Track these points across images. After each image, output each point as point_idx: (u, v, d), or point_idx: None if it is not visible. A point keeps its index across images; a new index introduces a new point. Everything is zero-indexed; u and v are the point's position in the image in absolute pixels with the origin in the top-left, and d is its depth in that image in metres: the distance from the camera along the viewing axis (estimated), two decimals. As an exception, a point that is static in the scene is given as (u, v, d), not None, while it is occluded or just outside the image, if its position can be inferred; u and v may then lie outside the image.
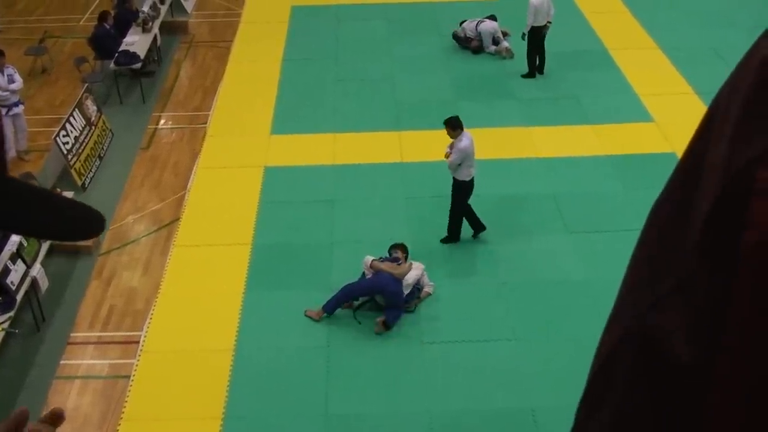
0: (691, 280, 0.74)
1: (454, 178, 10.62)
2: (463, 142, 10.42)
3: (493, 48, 15.90)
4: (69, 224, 1.00)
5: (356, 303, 9.85)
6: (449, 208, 10.86)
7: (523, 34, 14.84)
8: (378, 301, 9.80)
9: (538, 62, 15.01)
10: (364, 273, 9.90)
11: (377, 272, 9.70)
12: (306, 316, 9.69)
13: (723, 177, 0.70)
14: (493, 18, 16.19)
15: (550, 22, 14.65)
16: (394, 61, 15.78)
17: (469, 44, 16.03)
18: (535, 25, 14.58)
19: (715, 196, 0.70)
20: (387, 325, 9.53)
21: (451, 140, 10.53)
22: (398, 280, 9.63)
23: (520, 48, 15.22)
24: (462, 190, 10.61)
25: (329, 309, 9.67)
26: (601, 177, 12.24)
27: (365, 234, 11.06)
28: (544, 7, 14.46)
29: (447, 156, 10.48)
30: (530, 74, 15.00)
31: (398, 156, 12.73)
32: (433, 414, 8.55)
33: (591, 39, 16.45)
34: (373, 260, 9.82)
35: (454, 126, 10.43)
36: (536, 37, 14.72)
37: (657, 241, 0.84)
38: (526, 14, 14.62)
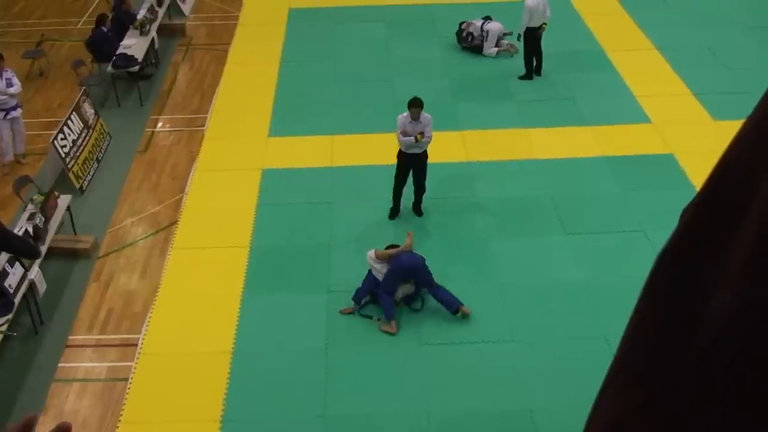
0: (671, 400, 0.71)
1: (424, 153, 10.96)
2: (428, 116, 10.81)
3: (494, 50, 15.89)
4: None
5: (363, 302, 9.86)
6: (421, 186, 11.22)
7: (519, 35, 14.87)
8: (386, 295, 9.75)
9: (534, 64, 15.03)
10: (370, 271, 9.86)
11: (390, 258, 9.69)
12: (383, 331, 9.59)
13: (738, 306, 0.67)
14: (488, 18, 16.25)
15: (545, 24, 14.67)
16: (392, 63, 15.79)
17: (471, 43, 16.03)
18: (530, 26, 14.60)
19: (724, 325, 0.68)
20: (466, 307, 9.65)
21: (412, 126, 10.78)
22: (415, 253, 9.81)
23: (520, 48, 15.25)
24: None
25: (390, 314, 9.61)
26: (598, 178, 12.25)
27: (363, 236, 11.06)
28: (539, 9, 14.48)
29: (418, 138, 10.69)
30: (527, 76, 15.02)
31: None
32: (431, 415, 8.55)
33: (588, 40, 16.47)
34: (376, 251, 9.82)
35: (422, 105, 10.73)
36: (532, 39, 14.75)
37: (641, 339, 0.80)
38: (521, 15, 14.66)
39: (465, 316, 9.68)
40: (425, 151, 11.02)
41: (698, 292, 0.73)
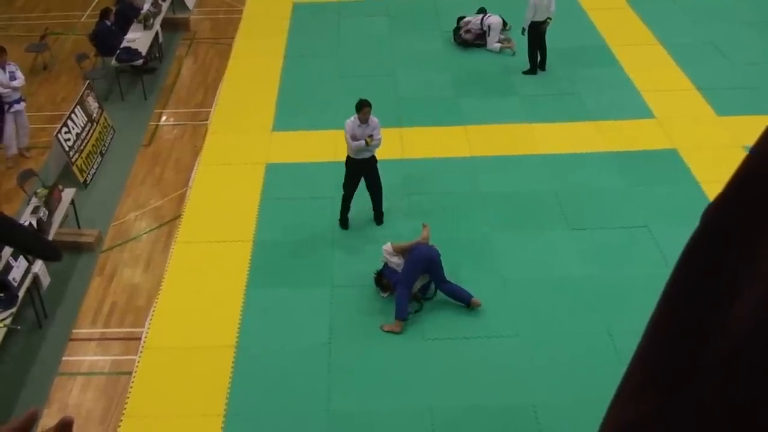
0: (690, 403, 0.70)
1: (373, 156, 10.78)
2: (376, 119, 10.64)
3: (497, 45, 15.83)
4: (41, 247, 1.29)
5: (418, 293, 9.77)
6: (377, 191, 11.02)
7: (523, 29, 14.83)
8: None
9: (539, 58, 14.99)
10: (385, 263, 9.85)
11: (406, 250, 9.67)
12: (386, 331, 9.50)
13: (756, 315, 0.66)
14: (483, 10, 16.18)
15: (550, 18, 14.62)
16: (395, 58, 15.77)
17: (473, 41, 15.92)
18: (535, 20, 14.57)
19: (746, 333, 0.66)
20: (476, 299, 9.66)
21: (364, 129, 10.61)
22: (431, 245, 9.79)
23: (522, 43, 15.22)
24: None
25: (403, 314, 9.50)
26: (602, 173, 12.23)
27: (366, 230, 11.06)
28: (543, 3, 14.43)
29: (368, 142, 10.52)
30: (531, 70, 14.98)
31: (399, 152, 12.72)
32: (434, 410, 8.56)
33: (592, 35, 16.43)
34: (392, 244, 9.80)
35: (371, 106, 10.58)
36: (536, 33, 14.71)
37: (661, 340, 0.78)
38: (525, 9, 14.62)
39: (476, 308, 9.69)
40: (374, 154, 10.82)
41: (723, 292, 0.71)
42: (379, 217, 11.21)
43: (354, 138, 10.53)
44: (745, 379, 0.66)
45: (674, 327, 0.77)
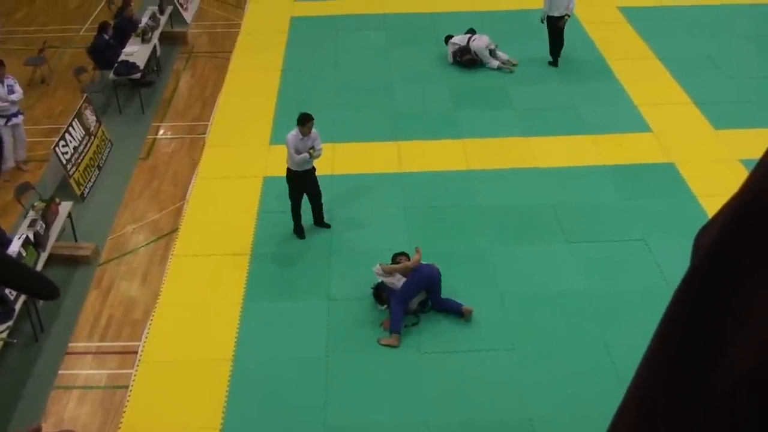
0: None
1: (312, 168, 10.97)
2: (315, 130, 10.81)
3: (495, 63, 15.72)
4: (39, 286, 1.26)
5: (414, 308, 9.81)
6: (318, 199, 11.22)
7: (542, 19, 15.27)
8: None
9: (552, 53, 15.41)
10: (382, 282, 9.85)
11: (397, 272, 9.66)
12: (383, 345, 9.50)
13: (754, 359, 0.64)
14: (472, 31, 16.07)
15: (568, 15, 14.86)
16: (392, 71, 15.80)
17: (462, 58, 15.83)
18: (551, 14, 14.83)
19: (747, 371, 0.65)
20: (466, 306, 9.71)
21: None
22: (432, 264, 9.84)
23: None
24: None
25: (398, 327, 9.51)
26: (599, 187, 12.25)
27: (363, 244, 11.06)
28: None
29: (312, 154, 10.70)
30: (553, 63, 15.49)
31: (397, 166, 12.74)
32: (431, 424, 8.53)
33: (589, 49, 16.48)
34: (381, 265, 9.80)
35: (313, 119, 10.75)
36: (550, 27, 15.10)
37: (657, 374, 0.76)
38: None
39: (469, 316, 9.69)
40: (313, 165, 10.99)
41: (722, 326, 0.69)
42: (320, 221, 11.38)
43: (297, 152, 10.66)
44: (747, 413, 0.65)
45: (674, 360, 0.74)
